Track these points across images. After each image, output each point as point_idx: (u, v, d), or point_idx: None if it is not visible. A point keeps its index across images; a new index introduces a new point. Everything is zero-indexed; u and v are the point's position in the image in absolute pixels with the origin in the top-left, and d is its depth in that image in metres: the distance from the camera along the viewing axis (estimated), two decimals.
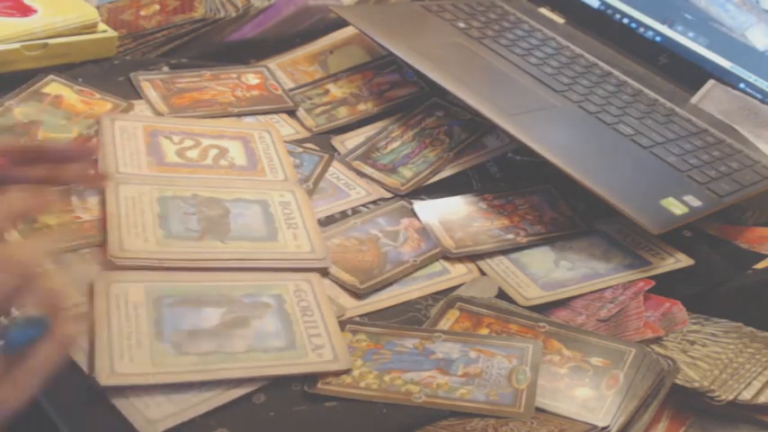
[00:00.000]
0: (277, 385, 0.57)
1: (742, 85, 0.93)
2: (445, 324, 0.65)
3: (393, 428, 0.57)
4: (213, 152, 0.77)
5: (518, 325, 0.65)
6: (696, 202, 0.76)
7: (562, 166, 0.75)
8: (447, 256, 0.72)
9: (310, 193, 0.76)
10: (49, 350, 0.46)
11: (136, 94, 0.84)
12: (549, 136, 0.80)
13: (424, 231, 0.74)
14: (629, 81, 0.94)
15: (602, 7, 1.03)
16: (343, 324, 0.63)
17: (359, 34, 0.95)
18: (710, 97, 0.92)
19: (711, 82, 0.93)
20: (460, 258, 0.72)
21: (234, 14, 0.95)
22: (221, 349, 0.58)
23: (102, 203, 0.68)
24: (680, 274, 0.73)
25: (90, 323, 0.58)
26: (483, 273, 0.72)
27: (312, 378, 0.58)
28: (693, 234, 0.78)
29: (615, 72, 0.95)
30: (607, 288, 0.71)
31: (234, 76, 0.89)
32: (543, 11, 1.06)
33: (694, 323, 0.68)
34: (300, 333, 0.60)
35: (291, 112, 0.87)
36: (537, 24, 1.01)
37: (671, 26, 0.98)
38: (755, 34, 0.92)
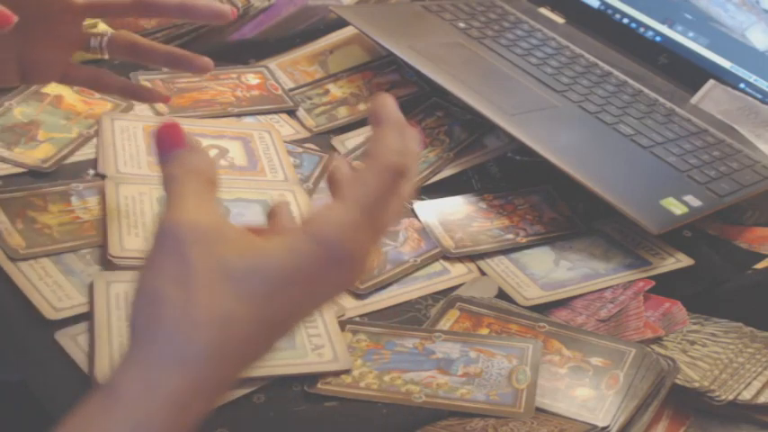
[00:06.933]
0: (277, 385, 0.57)
1: (742, 85, 0.93)
2: (445, 324, 0.65)
3: (393, 428, 0.56)
4: (213, 152, 0.77)
5: (518, 325, 0.65)
6: (696, 202, 0.76)
7: (562, 166, 0.75)
8: (447, 256, 0.72)
9: (310, 193, 0.76)
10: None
11: None
12: (549, 136, 0.80)
13: (424, 231, 0.74)
14: (629, 81, 0.94)
15: (602, 7, 1.03)
16: (343, 324, 0.63)
17: (359, 34, 0.95)
18: (710, 97, 0.92)
19: (711, 82, 0.93)
20: (460, 258, 0.72)
21: None
22: None
23: (102, 203, 0.68)
24: (680, 274, 0.73)
25: (90, 323, 0.58)
26: (483, 273, 0.72)
27: (312, 378, 0.58)
28: (693, 234, 0.78)
29: (615, 72, 0.95)
30: (607, 288, 0.71)
31: (234, 76, 0.89)
32: (543, 11, 1.06)
33: (694, 323, 0.68)
34: (300, 333, 0.60)
35: (291, 112, 0.87)
36: (537, 24, 1.01)
37: (671, 26, 0.98)
38: (755, 34, 0.92)
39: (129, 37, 0.66)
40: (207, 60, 0.67)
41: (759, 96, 0.91)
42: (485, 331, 0.64)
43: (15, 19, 0.51)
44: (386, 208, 0.44)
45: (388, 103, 0.46)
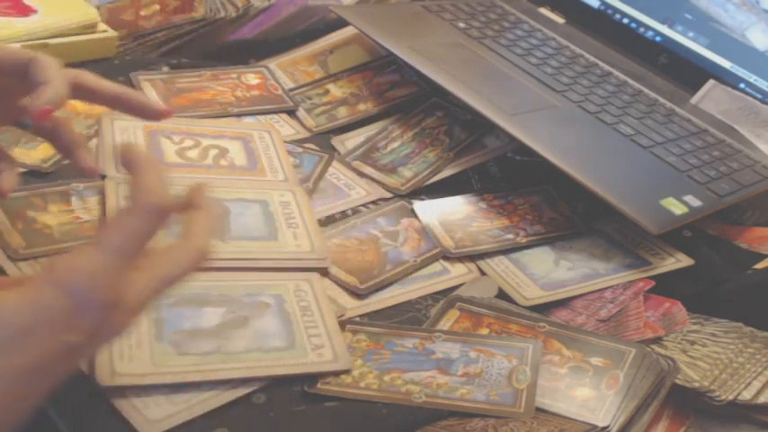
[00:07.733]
0: (277, 385, 0.57)
1: (742, 85, 0.93)
2: (445, 324, 0.65)
3: (393, 428, 0.56)
4: (213, 152, 0.77)
5: (518, 325, 0.65)
6: (696, 202, 0.76)
7: (562, 166, 0.75)
8: (447, 256, 0.72)
9: (310, 193, 0.76)
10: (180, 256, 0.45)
11: None
12: (549, 136, 0.80)
13: (424, 231, 0.74)
14: (629, 81, 0.94)
15: (602, 7, 1.03)
16: (343, 324, 0.63)
17: (359, 34, 0.95)
18: (710, 97, 0.92)
19: (711, 82, 0.93)
20: (460, 258, 0.72)
21: (234, 14, 0.95)
22: (221, 349, 0.58)
23: (102, 203, 0.68)
24: (680, 274, 0.73)
25: None
26: (483, 273, 0.72)
27: (312, 378, 0.58)
28: (693, 234, 0.78)
29: (615, 72, 0.95)
30: (607, 288, 0.71)
31: (234, 76, 0.89)
32: (543, 11, 1.06)
33: (694, 323, 0.68)
34: (300, 333, 0.60)
35: (291, 112, 0.87)
36: (537, 24, 1.01)
37: (671, 26, 0.98)
38: (755, 34, 0.92)
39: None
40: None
41: (759, 96, 0.91)
42: (485, 331, 0.64)
43: None
44: (151, 249, 0.43)
45: (135, 148, 0.46)
